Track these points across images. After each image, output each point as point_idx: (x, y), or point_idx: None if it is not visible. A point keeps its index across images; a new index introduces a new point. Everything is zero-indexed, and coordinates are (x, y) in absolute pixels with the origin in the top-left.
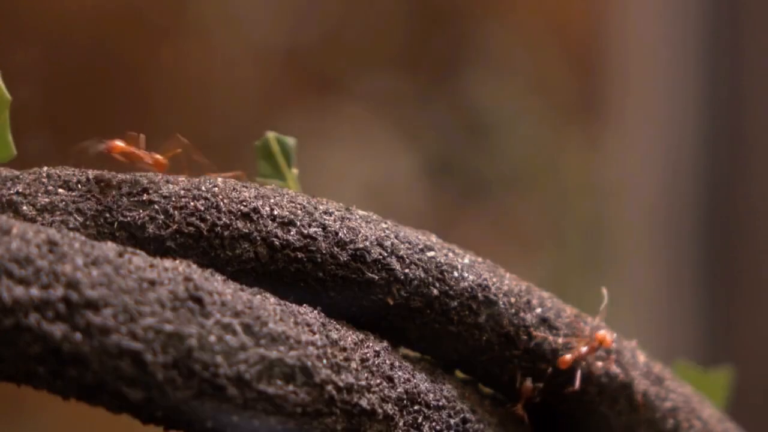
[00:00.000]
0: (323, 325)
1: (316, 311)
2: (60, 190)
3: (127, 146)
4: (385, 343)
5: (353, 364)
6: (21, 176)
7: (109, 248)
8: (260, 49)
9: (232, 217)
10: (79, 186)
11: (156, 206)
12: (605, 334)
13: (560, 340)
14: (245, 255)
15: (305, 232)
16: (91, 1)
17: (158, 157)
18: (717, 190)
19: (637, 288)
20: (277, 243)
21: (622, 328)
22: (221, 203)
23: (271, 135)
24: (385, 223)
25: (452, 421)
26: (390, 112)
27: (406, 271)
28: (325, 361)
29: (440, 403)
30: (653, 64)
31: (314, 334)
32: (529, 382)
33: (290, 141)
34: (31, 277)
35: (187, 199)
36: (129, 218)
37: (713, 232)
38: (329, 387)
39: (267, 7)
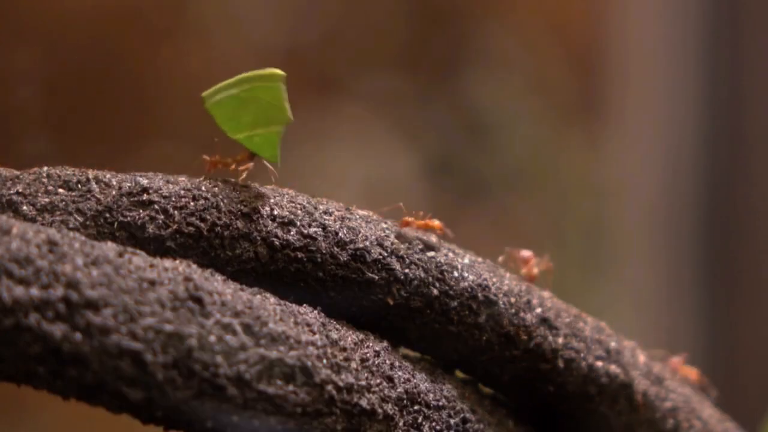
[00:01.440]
0: (323, 325)
1: (316, 311)
2: (60, 190)
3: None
4: (385, 343)
5: (353, 364)
6: (21, 176)
7: (109, 248)
8: (260, 49)
9: (232, 217)
10: (79, 186)
11: (156, 206)
12: None
13: (560, 340)
14: (245, 255)
15: (305, 232)
16: (91, 1)
17: None
18: (717, 190)
19: (637, 288)
20: (277, 243)
21: (622, 328)
22: (221, 203)
23: None
24: (385, 223)
25: (452, 421)
26: (390, 112)
27: (406, 271)
28: (325, 361)
29: (440, 403)
30: (653, 64)
31: (314, 334)
32: None
33: None
34: (31, 277)
35: (187, 199)
36: (129, 218)
37: (713, 232)
38: (329, 387)
39: (267, 7)
